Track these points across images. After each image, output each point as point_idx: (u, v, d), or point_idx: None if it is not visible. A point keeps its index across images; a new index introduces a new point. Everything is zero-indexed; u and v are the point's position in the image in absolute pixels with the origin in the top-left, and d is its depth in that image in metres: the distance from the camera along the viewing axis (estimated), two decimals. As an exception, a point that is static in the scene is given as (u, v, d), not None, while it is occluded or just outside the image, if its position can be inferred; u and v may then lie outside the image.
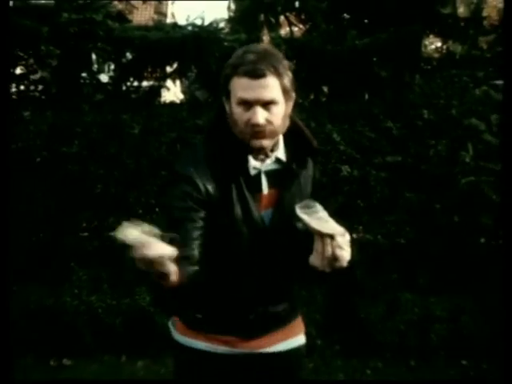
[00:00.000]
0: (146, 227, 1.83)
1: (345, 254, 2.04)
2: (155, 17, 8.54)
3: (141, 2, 8.83)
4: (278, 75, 2.19)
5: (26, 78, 7.65)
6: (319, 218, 2.05)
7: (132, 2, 8.45)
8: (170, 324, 2.52)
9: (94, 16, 7.26)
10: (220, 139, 2.30)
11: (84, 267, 6.20)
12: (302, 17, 7.76)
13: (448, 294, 5.99)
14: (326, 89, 7.75)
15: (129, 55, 7.59)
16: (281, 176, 2.36)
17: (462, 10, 9.46)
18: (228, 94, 2.24)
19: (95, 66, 7.75)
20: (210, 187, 2.23)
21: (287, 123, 2.33)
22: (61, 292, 5.97)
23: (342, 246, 2.03)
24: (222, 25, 7.57)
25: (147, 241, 1.79)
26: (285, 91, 2.23)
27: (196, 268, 2.13)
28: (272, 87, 2.18)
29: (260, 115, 2.17)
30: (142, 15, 8.45)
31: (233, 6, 8.94)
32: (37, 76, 7.64)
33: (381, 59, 7.25)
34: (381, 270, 6.11)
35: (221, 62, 6.81)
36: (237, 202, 2.26)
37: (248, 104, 2.18)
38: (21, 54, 7.49)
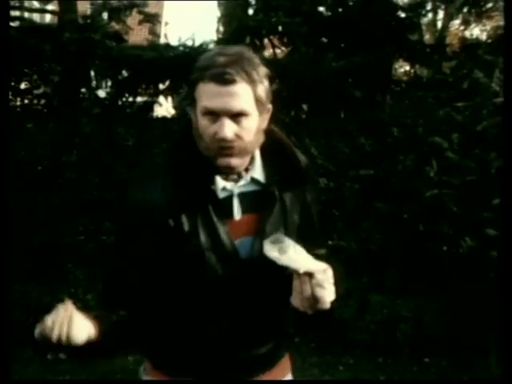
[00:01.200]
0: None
1: (326, 293, 1.67)
2: (149, 37, 8.56)
3: (136, 23, 8.87)
4: (251, 82, 1.73)
5: (29, 93, 7.70)
6: (294, 254, 1.69)
7: (128, 24, 8.49)
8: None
9: (93, 35, 7.32)
10: (184, 156, 1.85)
11: (80, 268, 6.23)
12: (285, 40, 7.84)
13: (412, 295, 6.06)
14: (305, 107, 7.83)
15: (124, 73, 7.66)
16: (259, 199, 1.87)
17: (427, 37, 9.61)
18: (193, 102, 1.78)
19: (94, 82, 7.80)
20: (168, 213, 1.78)
21: (261, 139, 1.85)
22: (58, 290, 5.97)
23: (323, 284, 1.66)
24: (211, 46, 7.65)
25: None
26: (258, 101, 1.76)
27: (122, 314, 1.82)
28: (243, 96, 1.72)
29: (228, 128, 1.72)
30: (138, 35, 8.49)
31: (221, 29, 9.00)
32: (40, 91, 7.68)
33: (355, 80, 7.34)
34: (353, 273, 6.15)
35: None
36: (202, 228, 1.79)
37: (214, 115, 1.73)
38: (25, 71, 7.54)
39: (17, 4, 8.21)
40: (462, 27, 10.37)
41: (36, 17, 13.25)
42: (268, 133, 1.89)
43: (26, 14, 9.06)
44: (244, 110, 1.73)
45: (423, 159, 6.18)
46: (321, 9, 7.75)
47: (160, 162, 2.01)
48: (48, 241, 6.38)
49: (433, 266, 6.00)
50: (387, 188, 6.40)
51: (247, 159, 1.85)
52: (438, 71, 7.29)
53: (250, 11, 8.06)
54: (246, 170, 1.88)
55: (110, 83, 7.79)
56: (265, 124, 1.85)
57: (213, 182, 1.83)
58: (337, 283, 1.73)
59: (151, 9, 9.52)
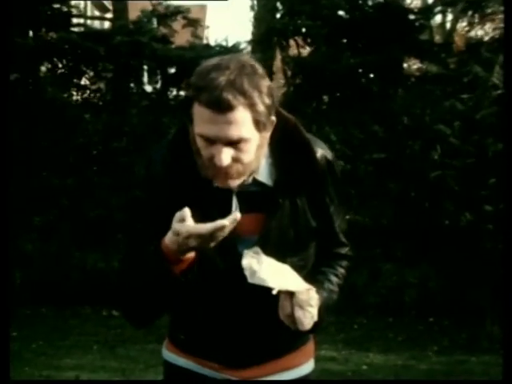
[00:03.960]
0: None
1: (306, 315, 1.44)
2: (192, 39, 8.58)
3: (180, 26, 8.93)
4: (251, 106, 1.39)
5: (87, 88, 7.81)
6: (271, 271, 1.43)
7: (174, 28, 8.56)
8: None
9: (141, 38, 7.38)
10: (180, 158, 1.53)
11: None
12: (308, 40, 7.80)
13: (418, 264, 6.06)
14: (325, 98, 7.81)
15: (169, 70, 7.72)
16: (263, 200, 1.54)
17: (437, 38, 9.49)
18: (191, 119, 1.45)
19: (142, 78, 7.86)
20: (168, 202, 1.51)
21: (263, 153, 1.51)
22: (110, 257, 6.07)
23: (303, 305, 1.42)
24: (242, 46, 7.68)
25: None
26: (258, 124, 1.42)
27: None
28: (241, 123, 1.39)
29: (225, 155, 1.40)
30: (182, 37, 8.50)
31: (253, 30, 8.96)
32: (95, 86, 7.78)
33: (369, 75, 7.31)
34: (366, 244, 6.15)
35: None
36: (200, 218, 1.45)
37: (211, 141, 1.41)
38: (83, 69, 7.64)
39: (76, 13, 8.33)
40: (466, 28, 10.20)
41: (97, 24, 13.42)
42: (282, 123, 1.53)
43: (82, 21, 9.15)
44: (242, 137, 1.41)
45: (429, 144, 6.15)
46: (339, 13, 7.69)
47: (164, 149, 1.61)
48: (102, 215, 6.47)
49: (436, 238, 5.99)
50: (397, 170, 6.39)
51: (250, 172, 1.51)
52: (444, 67, 7.21)
53: (278, 15, 8.04)
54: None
55: (156, 79, 7.84)
56: (267, 136, 1.50)
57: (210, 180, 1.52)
58: (322, 308, 1.48)
59: (195, 14, 9.53)
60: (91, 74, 7.74)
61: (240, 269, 1.45)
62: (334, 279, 1.64)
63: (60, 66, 7.50)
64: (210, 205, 1.51)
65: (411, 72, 8.45)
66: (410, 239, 6.19)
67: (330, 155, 1.60)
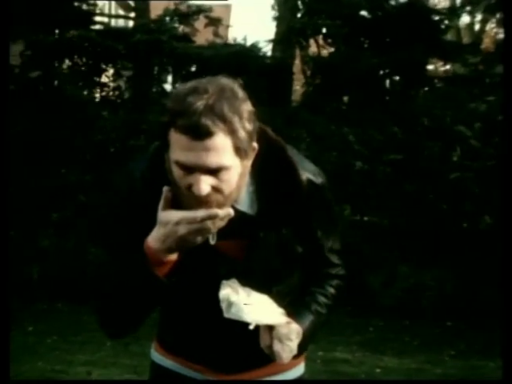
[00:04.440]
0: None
1: (285, 349, 1.37)
2: (216, 39, 8.59)
3: (202, 26, 8.95)
4: (231, 132, 1.30)
5: (106, 86, 7.84)
6: (256, 302, 1.37)
7: (195, 26, 8.58)
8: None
9: (161, 37, 7.40)
10: (162, 178, 1.40)
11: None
12: (327, 40, 7.76)
13: (436, 267, 5.99)
14: (345, 99, 7.75)
15: (188, 68, 7.73)
16: (243, 226, 1.44)
17: (466, 39, 9.37)
18: (166, 145, 1.35)
19: (161, 76, 7.88)
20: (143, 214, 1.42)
21: (244, 182, 1.41)
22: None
23: (282, 339, 1.37)
24: (261, 44, 7.68)
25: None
26: (239, 151, 1.33)
27: None
28: (221, 151, 1.30)
29: (204, 184, 1.31)
30: (204, 37, 8.51)
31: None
32: (114, 84, 7.81)
33: (390, 76, 7.24)
34: (383, 246, 6.13)
35: (256, 76, 6.96)
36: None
37: (188, 170, 1.32)
38: (103, 67, 7.68)
39: (96, 11, 8.37)
40: (495, 30, 10.07)
41: (121, 23, 13.53)
42: (266, 145, 1.43)
43: (106, 20, 9.22)
44: (222, 165, 1.31)
45: (448, 146, 6.07)
46: (360, 12, 7.62)
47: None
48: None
49: (455, 240, 5.91)
50: (415, 171, 6.32)
51: (230, 202, 1.40)
52: (469, 68, 7.10)
53: (298, 15, 8.00)
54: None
55: (175, 77, 7.85)
56: (249, 164, 1.40)
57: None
58: (307, 333, 1.43)
59: (219, 14, 9.53)
60: (111, 71, 7.77)
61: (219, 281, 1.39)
62: (322, 300, 1.57)
63: (80, 63, 7.54)
64: None
65: (435, 73, 8.34)
66: (428, 241, 6.12)
67: (318, 179, 1.50)
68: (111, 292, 1.46)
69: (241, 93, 1.35)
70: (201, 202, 1.33)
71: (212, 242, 1.40)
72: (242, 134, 1.32)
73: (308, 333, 1.46)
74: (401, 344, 5.34)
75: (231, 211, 1.35)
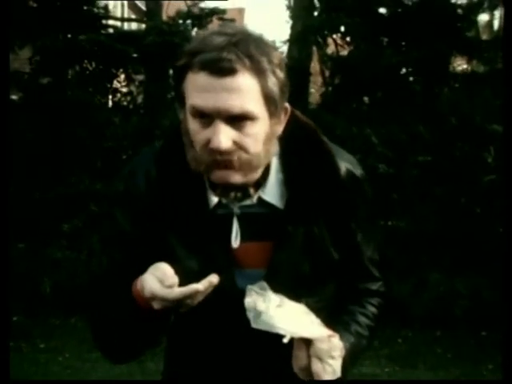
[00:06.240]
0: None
1: (325, 369, 1.13)
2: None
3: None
4: (258, 72, 1.10)
5: (118, 91, 7.70)
6: (281, 312, 1.13)
7: (208, 29, 8.49)
8: None
9: (174, 39, 7.24)
10: (172, 163, 1.23)
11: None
12: (347, 38, 7.56)
13: (470, 273, 5.73)
14: (366, 99, 7.54)
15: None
16: (269, 225, 1.23)
17: (484, 37, 9.18)
18: (181, 98, 1.16)
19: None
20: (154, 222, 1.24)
21: (274, 149, 1.21)
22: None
23: (322, 356, 1.12)
24: (277, 45, 7.44)
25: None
26: (269, 99, 1.13)
27: None
28: (246, 93, 1.09)
29: (224, 136, 1.10)
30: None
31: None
32: (126, 89, 7.69)
33: (413, 74, 7.03)
34: (411, 252, 5.87)
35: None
36: (193, 250, 1.21)
37: (207, 117, 1.11)
38: (114, 71, 7.54)
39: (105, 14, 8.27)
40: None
41: (134, 27, 13.46)
42: (298, 129, 1.24)
43: (111, 23, 9.11)
44: (247, 111, 1.10)
45: (480, 146, 5.82)
46: (379, 9, 7.42)
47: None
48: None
49: (489, 245, 5.66)
50: (444, 173, 6.07)
51: (255, 174, 1.19)
52: (492, 65, 6.88)
53: (315, 13, 7.82)
54: (256, 184, 1.22)
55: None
56: (279, 129, 1.19)
57: (204, 195, 1.22)
58: (347, 358, 1.18)
59: (232, 16, 9.45)
60: (122, 76, 7.64)
61: (241, 308, 1.13)
62: (364, 320, 1.35)
63: (90, 68, 7.40)
64: (205, 231, 1.21)
65: (459, 70, 8.13)
66: (459, 247, 5.86)
67: (358, 171, 1.31)
68: (104, 319, 1.27)
69: (270, 41, 1.16)
70: (220, 160, 1.12)
71: (235, 244, 1.22)
72: (272, 78, 1.12)
73: (348, 359, 1.21)
74: (433, 357, 5.10)
75: (215, 280, 1.10)
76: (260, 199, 1.22)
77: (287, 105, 1.20)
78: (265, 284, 1.14)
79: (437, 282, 5.76)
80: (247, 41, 1.11)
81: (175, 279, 1.10)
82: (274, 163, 1.23)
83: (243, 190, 1.21)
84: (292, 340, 1.12)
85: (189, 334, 1.30)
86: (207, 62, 1.08)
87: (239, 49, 1.09)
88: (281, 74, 1.14)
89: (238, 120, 1.11)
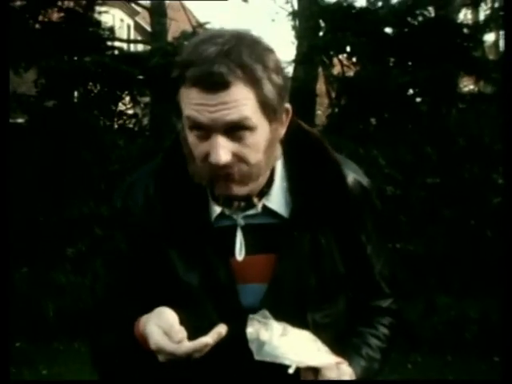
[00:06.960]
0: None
1: None
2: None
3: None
4: (253, 82, 1.06)
5: (123, 113, 7.68)
6: (294, 339, 1.07)
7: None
8: None
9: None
10: (173, 174, 1.20)
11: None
12: (353, 58, 7.54)
13: (480, 297, 5.63)
14: (373, 120, 7.50)
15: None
16: (275, 236, 1.18)
17: (491, 56, 9.16)
18: (178, 109, 1.14)
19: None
20: (153, 235, 1.19)
21: (277, 154, 1.18)
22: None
23: None
24: (284, 65, 7.43)
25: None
26: (266, 106, 1.09)
27: None
28: (242, 103, 1.05)
29: (222, 149, 1.06)
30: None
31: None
32: (131, 112, 7.67)
33: (420, 94, 6.98)
34: (419, 275, 5.78)
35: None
36: (194, 264, 1.15)
37: (203, 130, 1.08)
38: (118, 93, 7.53)
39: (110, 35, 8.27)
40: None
41: (140, 48, 13.53)
42: (302, 137, 1.21)
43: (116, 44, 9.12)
44: (244, 122, 1.06)
45: (490, 167, 5.74)
46: (385, 29, 7.40)
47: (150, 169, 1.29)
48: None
49: (500, 268, 5.56)
50: (453, 195, 5.99)
51: (258, 183, 1.15)
52: (495, 86, 6.86)
53: (320, 33, 7.80)
54: (260, 193, 1.18)
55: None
56: (282, 132, 1.15)
57: (206, 206, 1.18)
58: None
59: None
60: (127, 98, 7.62)
61: (243, 333, 1.08)
62: (375, 342, 1.27)
63: (95, 90, 7.38)
64: (206, 244, 1.16)
65: (464, 91, 8.10)
66: (469, 270, 5.77)
67: (365, 181, 1.27)
68: (104, 345, 1.25)
69: (264, 42, 1.12)
70: (220, 173, 1.08)
71: (239, 257, 1.16)
72: (267, 86, 1.08)
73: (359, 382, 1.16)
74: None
75: (223, 331, 1.04)
76: (264, 208, 1.18)
77: (288, 105, 1.16)
78: (267, 312, 1.09)
79: (446, 306, 5.67)
80: (240, 48, 1.07)
81: (184, 333, 1.05)
82: (279, 171, 1.20)
83: (247, 199, 1.17)
84: (299, 369, 1.06)
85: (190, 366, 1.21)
86: (198, 78, 1.05)
87: (231, 59, 1.05)
88: (277, 79, 1.11)
89: (235, 130, 1.08)
